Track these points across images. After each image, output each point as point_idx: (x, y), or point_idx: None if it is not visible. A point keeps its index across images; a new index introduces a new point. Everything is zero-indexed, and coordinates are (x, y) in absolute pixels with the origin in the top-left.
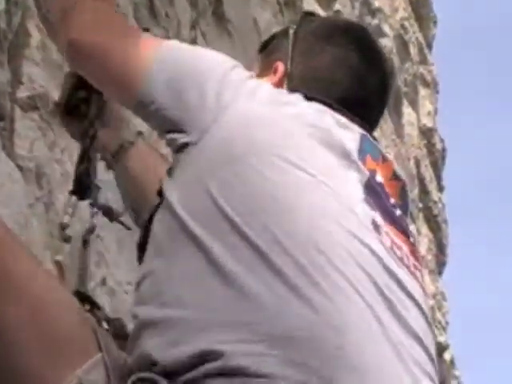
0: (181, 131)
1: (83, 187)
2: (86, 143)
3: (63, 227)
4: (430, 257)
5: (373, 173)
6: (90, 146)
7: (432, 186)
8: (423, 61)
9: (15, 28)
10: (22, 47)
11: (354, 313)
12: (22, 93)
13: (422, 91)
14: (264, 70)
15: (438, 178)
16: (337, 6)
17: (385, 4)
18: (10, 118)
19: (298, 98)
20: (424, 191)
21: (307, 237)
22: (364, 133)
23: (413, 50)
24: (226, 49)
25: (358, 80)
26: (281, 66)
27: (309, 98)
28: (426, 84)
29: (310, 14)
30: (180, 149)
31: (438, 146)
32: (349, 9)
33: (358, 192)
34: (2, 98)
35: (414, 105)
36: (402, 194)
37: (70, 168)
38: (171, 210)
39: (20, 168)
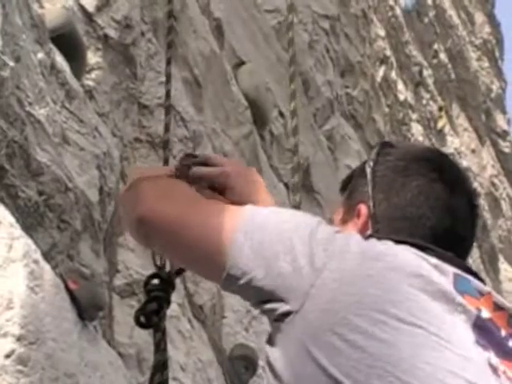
0: (278, 300)
1: None
2: (158, 355)
3: None
4: None
5: (478, 310)
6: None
7: None
8: None
9: (109, 218)
10: (116, 236)
11: None
12: (119, 280)
13: None
14: (347, 214)
15: None
16: None
17: (473, 163)
18: (109, 305)
19: (388, 246)
20: None
21: None
22: (456, 271)
23: (505, 206)
24: None
25: (445, 210)
26: (363, 209)
27: (397, 242)
28: None
29: (386, 145)
30: (280, 317)
31: None
32: None
33: (469, 335)
34: (100, 287)
35: (510, 260)
36: (511, 321)
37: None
38: (279, 379)
39: (121, 355)
